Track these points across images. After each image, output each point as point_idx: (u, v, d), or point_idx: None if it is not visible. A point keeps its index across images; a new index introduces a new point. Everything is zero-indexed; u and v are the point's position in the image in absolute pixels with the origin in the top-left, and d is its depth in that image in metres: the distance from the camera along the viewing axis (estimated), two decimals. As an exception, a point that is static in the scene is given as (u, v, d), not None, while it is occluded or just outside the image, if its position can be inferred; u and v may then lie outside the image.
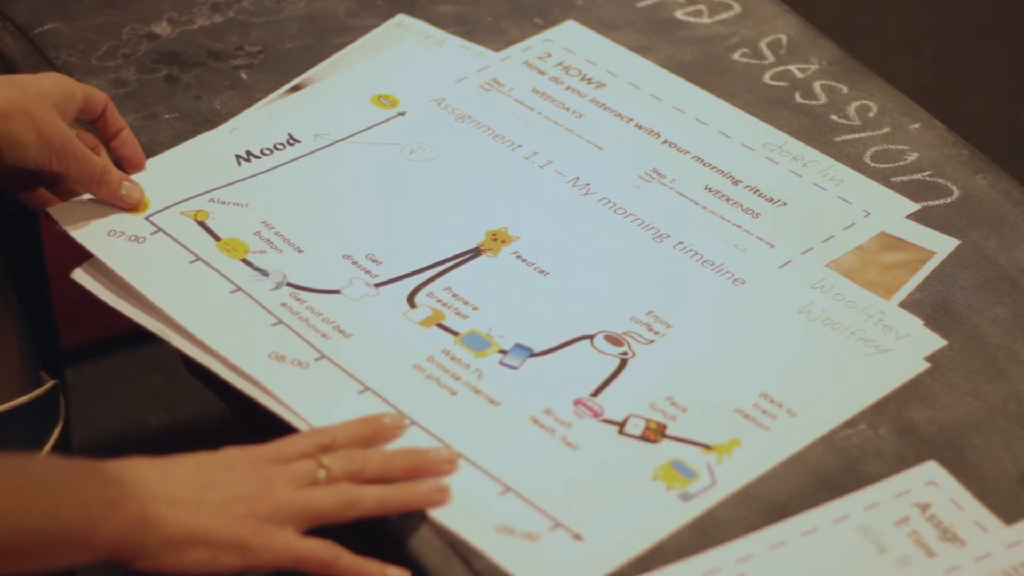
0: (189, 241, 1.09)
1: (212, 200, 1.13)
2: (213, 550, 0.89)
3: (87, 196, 1.11)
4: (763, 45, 1.33)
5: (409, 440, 0.97)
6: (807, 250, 1.13)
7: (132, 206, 1.10)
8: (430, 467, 0.95)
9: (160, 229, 1.10)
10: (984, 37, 2.48)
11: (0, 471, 0.86)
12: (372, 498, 0.93)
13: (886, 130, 1.25)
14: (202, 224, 1.11)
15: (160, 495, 0.89)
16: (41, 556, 0.87)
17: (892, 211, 1.17)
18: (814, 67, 1.31)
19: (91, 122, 1.13)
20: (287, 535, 0.91)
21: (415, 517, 0.94)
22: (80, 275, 1.07)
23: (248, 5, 1.34)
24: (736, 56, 1.32)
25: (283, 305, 1.05)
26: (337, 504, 0.92)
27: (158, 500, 0.89)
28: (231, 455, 0.94)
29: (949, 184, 1.20)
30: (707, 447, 0.98)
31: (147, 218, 1.11)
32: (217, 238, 1.10)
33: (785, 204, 1.17)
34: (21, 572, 0.88)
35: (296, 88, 1.25)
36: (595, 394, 1.01)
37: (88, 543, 0.87)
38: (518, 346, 1.04)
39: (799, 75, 1.30)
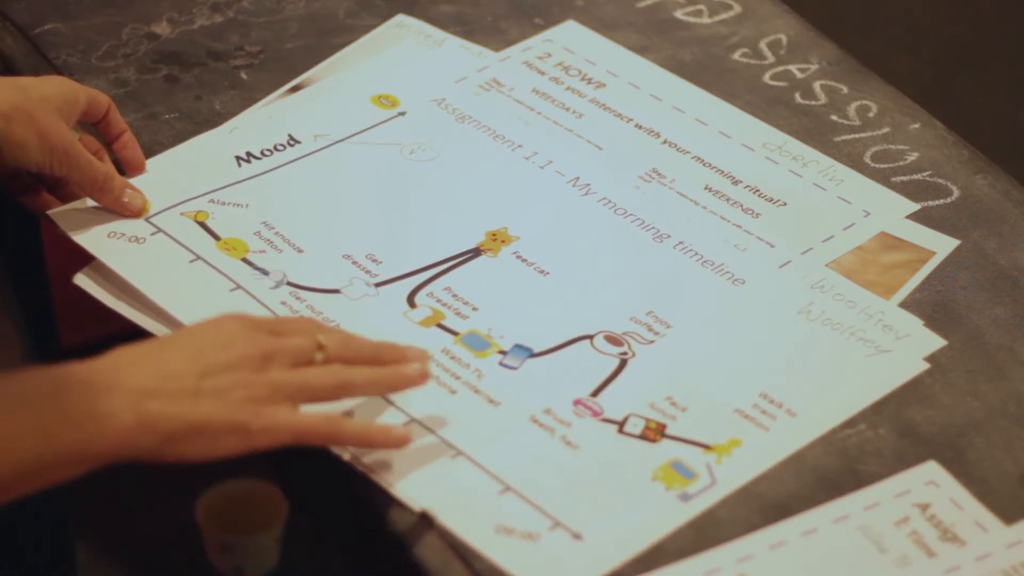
0: (189, 241, 1.09)
1: (212, 201, 1.13)
2: (214, 437, 0.89)
3: (90, 201, 1.11)
4: (763, 45, 1.34)
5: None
6: (807, 250, 1.13)
7: (134, 213, 1.10)
8: (415, 357, 0.96)
9: (160, 230, 1.10)
10: (984, 37, 2.48)
11: None
12: (364, 379, 0.94)
13: (886, 130, 1.25)
14: (202, 224, 1.11)
15: (156, 390, 0.88)
16: (41, 480, 0.87)
17: (892, 211, 1.17)
18: (814, 67, 1.31)
19: (93, 124, 1.13)
20: (286, 412, 0.91)
21: (415, 517, 0.94)
22: (82, 280, 1.07)
23: (248, 5, 1.34)
24: (736, 56, 1.32)
25: (283, 304, 1.05)
26: (333, 384, 0.93)
27: (154, 396, 0.88)
28: (229, 327, 0.93)
29: (949, 184, 1.20)
30: (707, 447, 0.98)
31: (147, 219, 1.11)
32: (217, 238, 1.10)
33: (785, 204, 1.17)
34: (24, 495, 0.88)
35: (296, 88, 1.25)
36: (595, 394, 1.01)
37: (86, 458, 0.87)
38: (518, 346, 1.04)
39: (799, 75, 1.30)
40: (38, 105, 1.06)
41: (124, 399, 0.87)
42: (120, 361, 0.90)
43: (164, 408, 0.88)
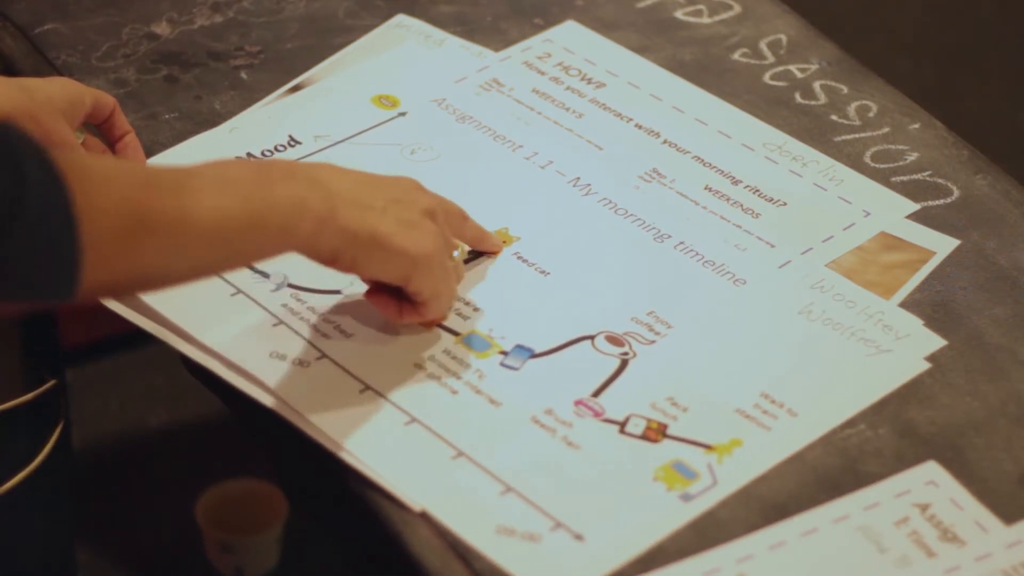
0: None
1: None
2: (387, 256, 0.96)
3: None
4: (763, 45, 1.34)
5: (410, 437, 0.97)
6: (807, 250, 1.13)
7: None
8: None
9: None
10: (984, 37, 2.48)
11: (204, 178, 0.90)
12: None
13: (886, 130, 1.25)
14: (203, 225, 1.10)
15: (351, 198, 0.95)
16: (243, 262, 0.99)
17: (892, 211, 1.17)
18: (814, 67, 1.31)
19: (97, 125, 1.13)
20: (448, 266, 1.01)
21: (415, 517, 0.94)
22: None
23: (248, 5, 1.34)
24: (736, 56, 1.32)
25: (284, 306, 1.05)
26: (454, 295, 1.04)
27: (349, 201, 0.95)
28: (411, 183, 1.02)
29: (949, 184, 1.20)
30: (708, 447, 0.98)
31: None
32: (217, 238, 1.10)
33: (785, 204, 1.17)
34: (223, 273, 1.03)
35: (296, 88, 1.25)
36: (596, 394, 1.01)
37: (284, 244, 0.93)
38: (519, 347, 1.04)
39: (799, 75, 1.30)
40: (42, 107, 1.05)
41: (323, 193, 0.93)
42: (321, 167, 0.97)
43: (355, 212, 0.95)
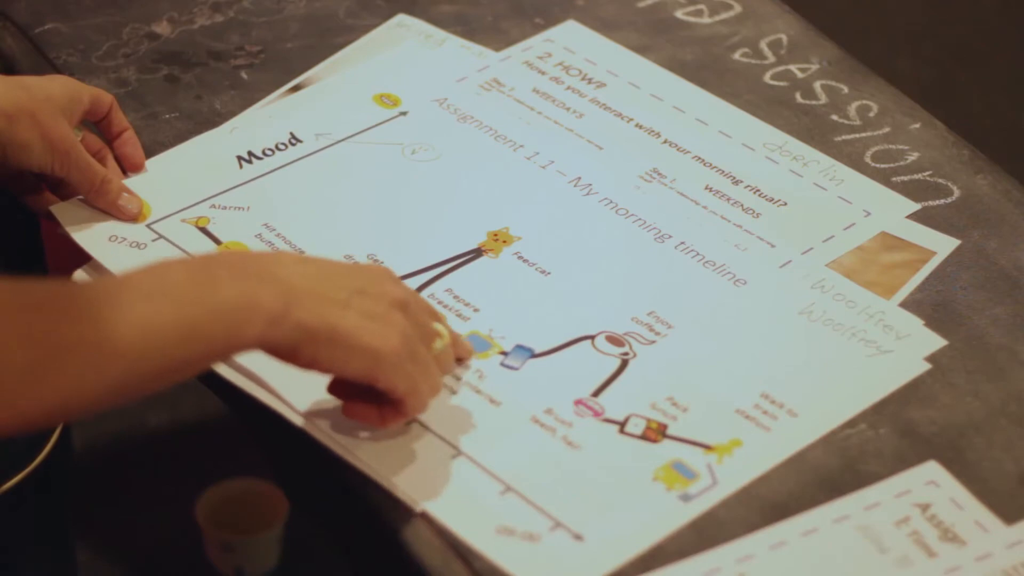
0: (191, 247, 1.09)
1: (213, 206, 1.13)
2: (349, 352, 0.90)
3: None
4: (763, 45, 1.34)
5: (410, 437, 0.97)
6: (807, 250, 1.13)
7: (130, 217, 1.10)
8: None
9: (161, 236, 1.10)
10: (984, 37, 2.48)
11: (135, 288, 0.85)
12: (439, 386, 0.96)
13: (886, 130, 1.25)
14: (203, 230, 1.11)
15: (309, 290, 0.89)
16: (189, 371, 0.87)
17: (892, 211, 1.17)
18: (814, 67, 1.31)
19: (95, 123, 1.13)
20: (415, 363, 0.93)
21: (415, 517, 0.94)
22: (81, 277, 1.07)
23: (248, 5, 1.34)
24: (736, 56, 1.32)
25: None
26: (436, 388, 0.95)
27: (306, 294, 0.89)
28: (378, 270, 0.96)
29: (949, 184, 1.20)
30: (708, 447, 0.98)
31: (148, 225, 1.11)
32: (218, 242, 1.10)
33: (785, 204, 1.17)
34: (167, 386, 0.87)
35: (296, 88, 1.25)
36: (596, 394, 1.01)
37: (232, 348, 0.87)
38: (519, 347, 1.04)
39: (799, 75, 1.30)
40: (42, 105, 1.06)
41: (277, 289, 0.88)
42: (280, 258, 0.92)
43: (313, 306, 0.88)
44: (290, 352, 0.89)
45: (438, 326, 0.97)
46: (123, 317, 0.82)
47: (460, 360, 1.01)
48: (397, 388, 0.92)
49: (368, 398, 0.94)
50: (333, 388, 0.95)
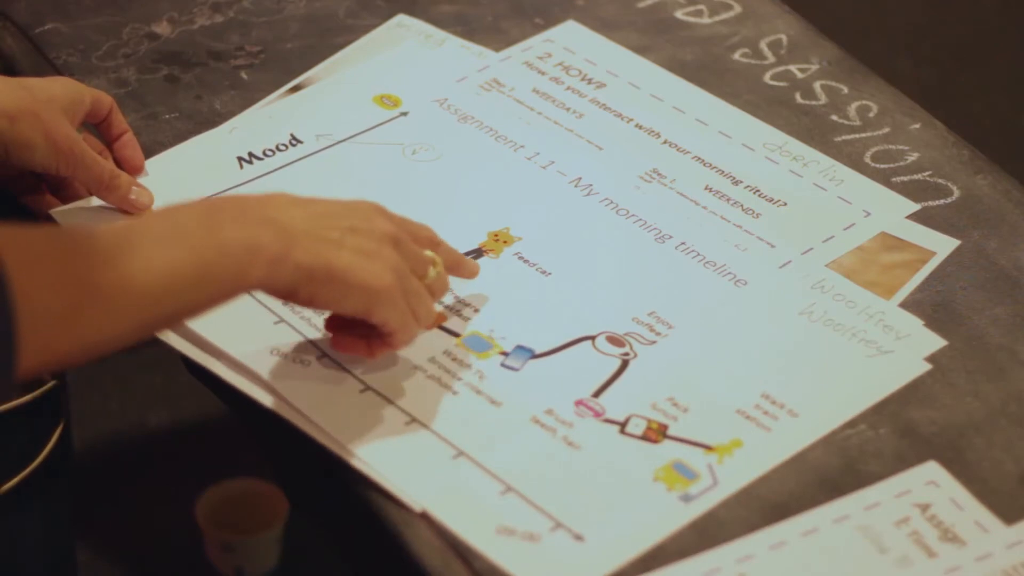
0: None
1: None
2: (345, 289, 0.93)
3: (94, 200, 1.11)
4: (763, 45, 1.34)
5: (410, 437, 0.97)
6: (807, 250, 1.13)
7: (142, 210, 1.10)
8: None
9: (162, 234, 1.10)
10: (984, 37, 2.48)
11: (149, 232, 0.88)
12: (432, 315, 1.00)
13: (886, 130, 1.25)
14: (203, 226, 1.10)
15: (305, 231, 0.92)
16: (197, 312, 0.92)
17: (892, 211, 1.17)
18: (814, 67, 1.31)
19: (95, 125, 1.13)
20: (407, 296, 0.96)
21: (415, 517, 0.94)
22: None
23: (248, 5, 1.34)
24: (736, 56, 1.32)
25: (285, 304, 1.05)
26: (430, 317, 0.99)
27: (303, 235, 0.92)
28: (369, 207, 0.97)
29: (949, 184, 1.20)
30: (708, 448, 0.98)
31: (148, 224, 1.11)
32: (218, 239, 1.10)
33: (785, 204, 1.17)
34: (177, 326, 0.98)
35: (296, 88, 1.25)
36: (596, 394, 1.01)
37: (237, 288, 0.91)
38: (519, 347, 1.04)
39: (799, 75, 1.30)
40: (44, 106, 1.06)
41: (275, 231, 0.91)
42: (273, 200, 0.94)
43: (310, 247, 0.92)
44: (289, 292, 0.92)
45: (430, 253, 0.99)
46: (141, 263, 0.85)
47: (471, 274, 1.05)
48: (388, 323, 0.95)
49: (361, 329, 0.97)
50: (329, 322, 1.00)
